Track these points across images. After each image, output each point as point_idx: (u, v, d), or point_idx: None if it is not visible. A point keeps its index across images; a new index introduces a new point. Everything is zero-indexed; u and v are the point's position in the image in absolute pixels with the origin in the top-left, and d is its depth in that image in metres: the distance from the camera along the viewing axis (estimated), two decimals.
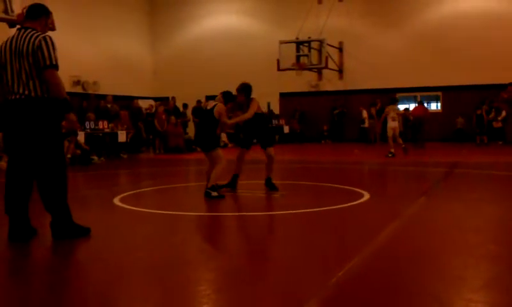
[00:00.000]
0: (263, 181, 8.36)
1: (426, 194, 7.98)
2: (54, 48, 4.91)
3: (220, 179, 7.82)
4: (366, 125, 23.19)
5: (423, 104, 20.61)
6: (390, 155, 14.55)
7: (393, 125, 14.78)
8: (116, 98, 20.17)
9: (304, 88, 24.36)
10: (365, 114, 23.27)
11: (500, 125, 19.70)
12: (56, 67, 4.90)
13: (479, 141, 20.17)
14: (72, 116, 5.11)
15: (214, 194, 7.52)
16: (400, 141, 15.03)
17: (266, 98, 24.88)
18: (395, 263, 4.35)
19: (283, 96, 25.12)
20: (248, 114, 8.04)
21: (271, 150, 8.20)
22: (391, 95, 16.90)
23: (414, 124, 19.89)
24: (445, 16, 22.57)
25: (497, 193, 8.47)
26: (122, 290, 3.77)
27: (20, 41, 4.91)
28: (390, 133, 14.82)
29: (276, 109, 25.25)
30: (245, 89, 8.13)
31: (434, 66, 22.30)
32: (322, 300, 3.49)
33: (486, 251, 4.67)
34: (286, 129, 23.90)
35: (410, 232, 5.56)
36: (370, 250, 4.65)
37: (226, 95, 8.11)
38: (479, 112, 20.38)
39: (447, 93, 22.97)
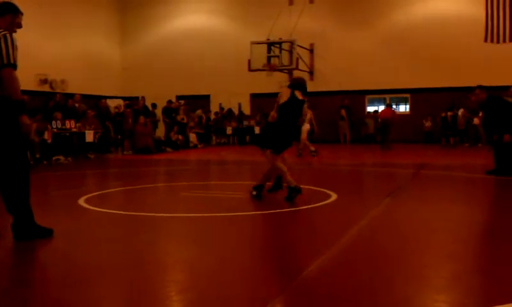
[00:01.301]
0: (237, 183, 8.38)
1: (392, 195, 8.07)
2: (13, 47, 4.78)
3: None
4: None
5: (391, 107, 20.93)
6: (313, 154, 15.28)
7: (308, 127, 15.30)
8: (86, 97, 19.88)
9: (275, 89, 24.36)
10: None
11: (478, 121, 19.68)
12: (13, 66, 4.77)
13: (444, 143, 20.60)
14: (25, 119, 4.91)
15: (254, 193, 7.50)
16: (308, 143, 15.65)
17: (237, 98, 24.91)
18: (360, 263, 4.38)
19: (254, 96, 25.13)
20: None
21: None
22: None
23: (381, 126, 20.17)
24: (414, 19, 22.90)
25: (460, 194, 8.63)
26: (85, 291, 3.69)
27: None
28: (305, 134, 15.23)
29: (246, 110, 25.25)
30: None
31: (403, 69, 22.64)
32: (287, 299, 3.49)
33: (448, 251, 4.74)
34: (257, 130, 23.91)
35: (375, 232, 5.61)
36: (335, 250, 4.67)
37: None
38: (450, 113, 20.87)
39: (415, 95, 23.33)
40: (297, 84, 7.55)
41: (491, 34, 20.67)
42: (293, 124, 7.55)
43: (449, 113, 21.31)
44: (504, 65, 20.59)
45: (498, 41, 20.59)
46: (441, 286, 3.78)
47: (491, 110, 10.24)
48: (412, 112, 23.51)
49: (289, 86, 7.62)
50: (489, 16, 20.62)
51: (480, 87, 10.33)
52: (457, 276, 3.99)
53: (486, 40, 20.70)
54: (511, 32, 20.44)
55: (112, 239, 5.35)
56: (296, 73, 23.04)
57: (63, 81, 21.73)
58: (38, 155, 14.18)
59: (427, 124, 22.51)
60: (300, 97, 7.41)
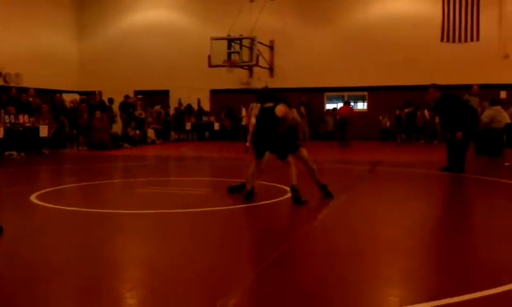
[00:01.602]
0: (196, 179, 8.32)
1: (348, 191, 8.16)
2: None
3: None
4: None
5: (349, 104, 21.20)
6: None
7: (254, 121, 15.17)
8: (41, 92, 19.35)
9: (235, 85, 24.36)
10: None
11: (437, 120, 20.02)
12: None
13: (399, 141, 21.07)
14: None
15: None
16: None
17: (197, 94, 24.75)
18: (314, 259, 4.39)
19: (214, 92, 25.02)
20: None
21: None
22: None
23: (340, 123, 20.39)
24: (373, 18, 23.19)
25: (415, 190, 8.78)
26: (36, 289, 3.60)
27: None
28: (251, 128, 15.11)
29: (206, 106, 25.14)
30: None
31: (362, 67, 22.93)
32: (239, 295, 3.47)
33: (404, 247, 4.80)
34: (216, 126, 23.84)
35: (331, 229, 5.65)
36: (290, 246, 4.67)
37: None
38: (407, 110, 21.29)
39: (372, 92, 23.69)
40: (261, 96, 7.76)
41: (448, 34, 21.22)
42: (268, 129, 7.43)
43: (406, 110, 21.74)
44: (460, 64, 21.15)
45: (454, 41, 21.14)
46: (396, 281, 3.83)
47: (444, 109, 10.44)
48: (370, 109, 23.87)
49: (257, 101, 7.83)
50: (445, 17, 21.15)
51: (434, 85, 10.52)
52: (411, 271, 4.05)
53: (442, 40, 21.21)
54: (466, 32, 21.01)
55: (65, 236, 5.22)
56: (256, 70, 23.15)
57: (17, 75, 21.11)
58: None
59: (385, 121, 22.91)
60: (270, 105, 7.49)
